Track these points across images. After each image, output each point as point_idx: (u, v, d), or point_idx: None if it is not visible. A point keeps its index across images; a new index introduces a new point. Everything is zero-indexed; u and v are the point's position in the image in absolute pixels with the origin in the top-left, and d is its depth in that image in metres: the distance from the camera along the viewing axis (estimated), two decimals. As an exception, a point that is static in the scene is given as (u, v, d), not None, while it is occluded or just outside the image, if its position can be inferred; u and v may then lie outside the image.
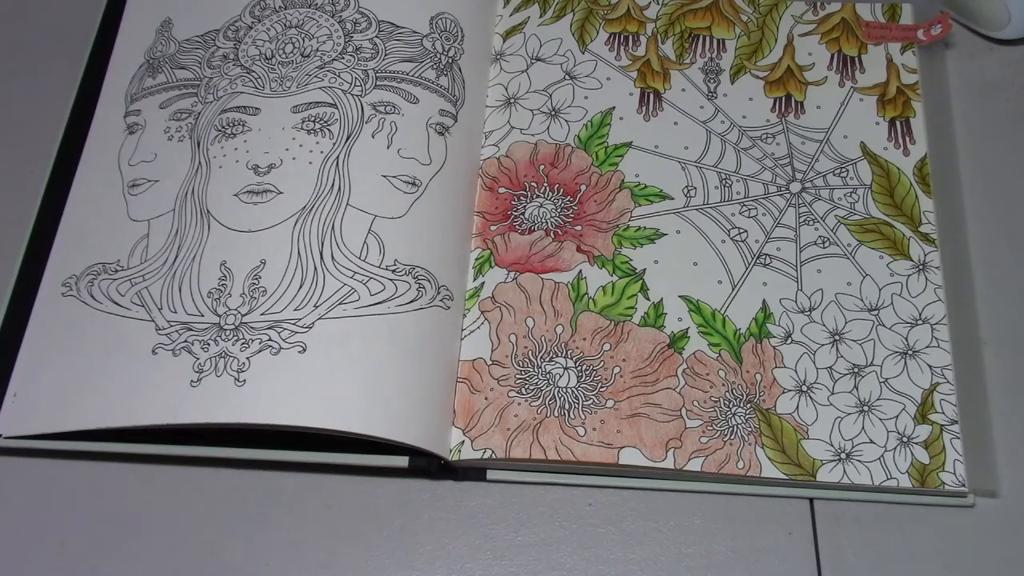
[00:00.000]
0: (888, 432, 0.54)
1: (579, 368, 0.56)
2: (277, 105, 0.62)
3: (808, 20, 0.67)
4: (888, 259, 0.58)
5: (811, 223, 0.60)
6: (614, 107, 0.64)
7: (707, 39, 0.66)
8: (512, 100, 0.65)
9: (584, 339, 0.57)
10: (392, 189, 0.58)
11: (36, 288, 0.59)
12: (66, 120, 0.65)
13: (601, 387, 0.55)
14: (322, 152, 0.59)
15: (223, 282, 0.56)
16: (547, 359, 0.56)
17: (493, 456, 0.54)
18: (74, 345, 0.57)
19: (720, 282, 0.58)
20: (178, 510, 0.55)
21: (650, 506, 0.54)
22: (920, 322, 0.56)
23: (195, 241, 0.58)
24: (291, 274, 0.56)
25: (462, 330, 0.57)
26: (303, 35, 0.64)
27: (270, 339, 0.54)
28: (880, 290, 0.57)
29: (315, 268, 0.56)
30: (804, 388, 0.55)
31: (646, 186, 0.61)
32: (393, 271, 0.56)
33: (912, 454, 0.53)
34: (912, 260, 0.58)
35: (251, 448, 0.54)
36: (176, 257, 0.58)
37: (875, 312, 0.57)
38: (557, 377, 0.56)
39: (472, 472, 0.55)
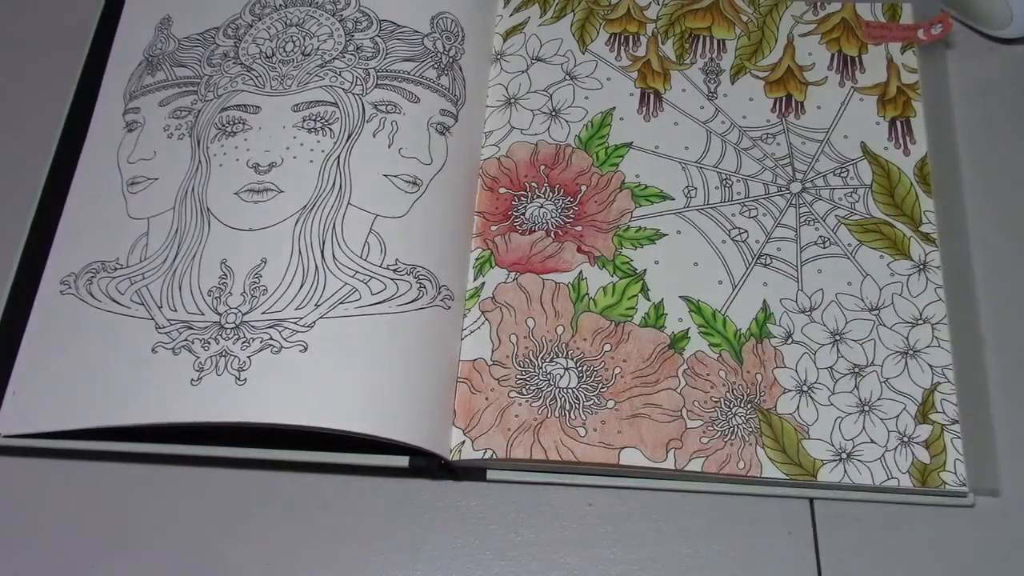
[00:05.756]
0: (889, 432, 0.54)
1: (580, 369, 0.56)
2: (278, 103, 0.61)
3: (808, 20, 0.67)
4: (889, 259, 0.58)
5: (811, 223, 0.60)
6: (614, 107, 0.64)
7: (707, 39, 0.66)
8: (512, 100, 0.65)
9: (585, 340, 0.57)
10: (393, 188, 0.58)
11: (35, 286, 0.59)
12: (65, 118, 0.65)
13: (602, 388, 0.55)
14: (323, 151, 0.59)
15: (223, 281, 0.56)
16: (548, 359, 0.56)
17: (494, 456, 0.54)
18: (73, 343, 0.57)
19: (720, 282, 0.58)
20: (178, 510, 0.55)
21: (650, 506, 0.54)
22: (921, 322, 0.56)
23: (195, 239, 0.58)
24: (292, 273, 0.56)
25: (463, 330, 0.57)
26: (304, 33, 0.64)
27: (271, 338, 0.54)
28: (880, 290, 0.57)
29: (316, 267, 0.56)
30: (805, 388, 0.55)
31: (646, 186, 0.61)
32: (394, 271, 0.56)
33: (913, 454, 0.53)
34: (913, 260, 0.58)
35: (251, 448, 0.54)
36: (176, 255, 0.58)
37: (876, 312, 0.57)
38: (558, 378, 0.56)
39: (472, 472, 0.55)
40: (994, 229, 0.60)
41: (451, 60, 0.64)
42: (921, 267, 0.58)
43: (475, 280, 0.59)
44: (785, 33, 0.66)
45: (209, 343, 0.55)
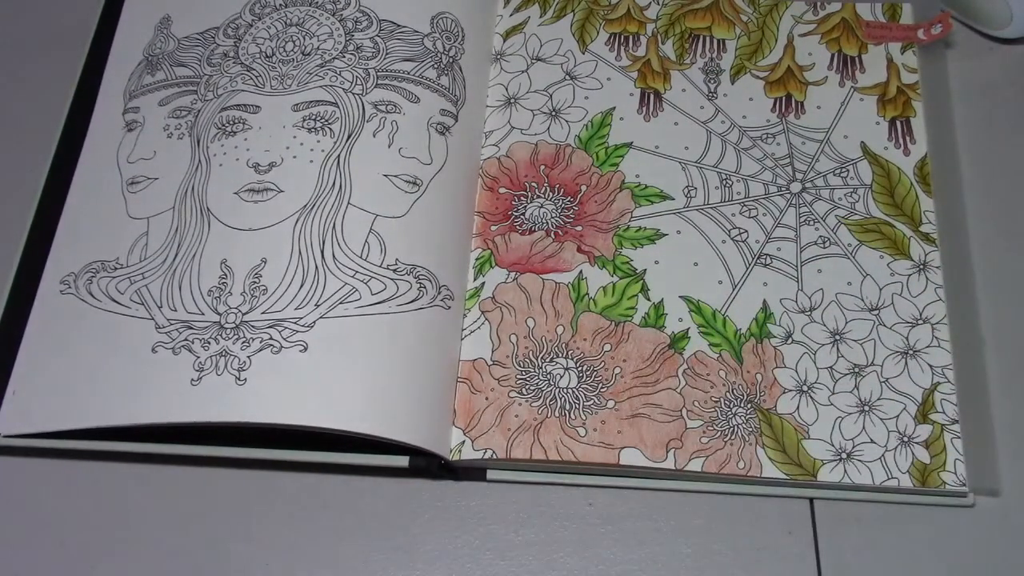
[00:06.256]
0: (889, 432, 0.54)
1: (580, 368, 0.56)
2: (278, 103, 0.61)
3: (808, 20, 0.67)
4: (888, 259, 0.58)
5: (811, 223, 0.60)
6: (614, 107, 0.64)
7: (707, 39, 0.66)
8: (512, 100, 0.65)
9: (585, 339, 0.57)
10: (393, 188, 0.58)
11: (35, 286, 0.59)
12: (64, 117, 0.65)
13: (602, 388, 0.55)
14: (323, 151, 0.59)
15: (223, 280, 0.56)
16: (548, 359, 0.56)
17: (494, 456, 0.54)
18: (73, 343, 0.57)
19: (721, 282, 0.58)
20: (178, 510, 0.55)
21: (650, 506, 0.54)
22: (921, 322, 0.56)
23: (195, 239, 0.58)
24: (292, 273, 0.56)
25: (463, 330, 0.57)
26: (304, 33, 0.64)
27: (271, 338, 0.54)
28: (880, 290, 0.57)
29: (316, 267, 0.56)
30: (805, 388, 0.55)
31: (646, 186, 0.61)
32: (394, 271, 0.56)
33: (913, 454, 0.53)
34: (912, 260, 0.58)
35: (251, 448, 0.54)
36: (176, 255, 0.58)
37: (876, 312, 0.57)
38: (558, 377, 0.56)
39: (472, 472, 0.55)
40: (994, 229, 0.60)
41: (451, 60, 0.64)
42: (921, 267, 0.58)
43: (475, 280, 0.59)
44: (785, 33, 0.66)
45: (209, 343, 0.55)
